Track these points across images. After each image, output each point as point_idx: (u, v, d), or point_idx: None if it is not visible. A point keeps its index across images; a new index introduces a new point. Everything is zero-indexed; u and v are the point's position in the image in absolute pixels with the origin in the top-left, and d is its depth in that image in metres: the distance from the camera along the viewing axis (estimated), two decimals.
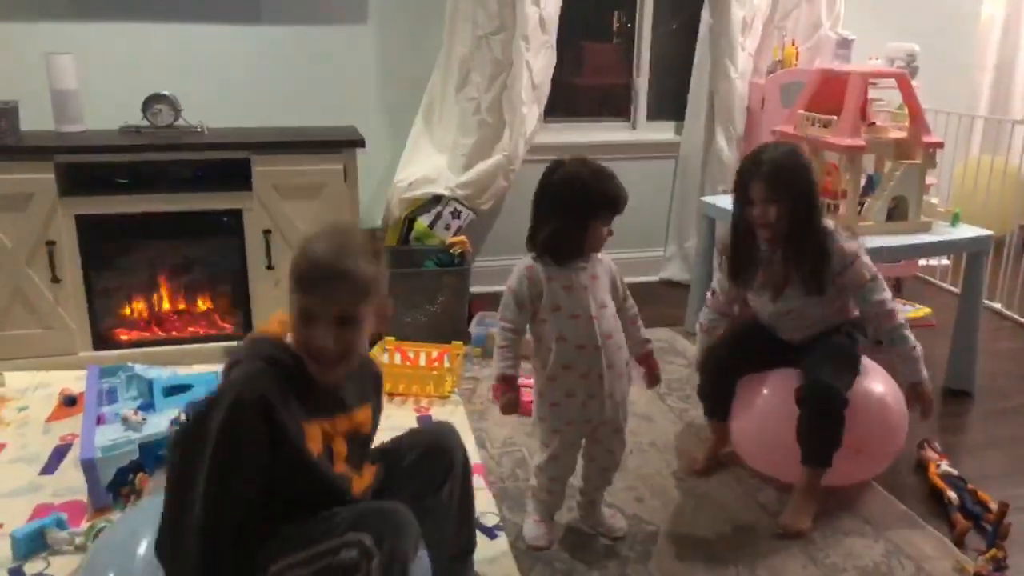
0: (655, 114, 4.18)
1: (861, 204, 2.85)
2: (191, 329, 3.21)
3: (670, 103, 4.16)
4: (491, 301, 3.40)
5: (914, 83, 3.16)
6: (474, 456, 2.44)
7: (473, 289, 3.48)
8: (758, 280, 2.31)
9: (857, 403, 2.20)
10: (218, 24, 3.37)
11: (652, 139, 4.14)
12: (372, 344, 3.05)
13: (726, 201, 3.30)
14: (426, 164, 3.61)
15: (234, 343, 1.54)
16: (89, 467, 2.13)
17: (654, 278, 4.21)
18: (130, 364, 2.66)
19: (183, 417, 2.24)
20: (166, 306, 3.22)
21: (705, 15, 3.88)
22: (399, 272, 3.18)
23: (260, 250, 3.11)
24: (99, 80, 3.21)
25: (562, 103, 4.00)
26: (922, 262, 4.21)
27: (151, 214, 3.02)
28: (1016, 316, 3.74)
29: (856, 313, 2.31)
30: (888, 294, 2.23)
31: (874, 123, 2.94)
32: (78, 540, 1.99)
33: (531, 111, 3.57)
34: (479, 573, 1.93)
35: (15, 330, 2.97)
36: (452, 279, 3.32)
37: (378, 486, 1.64)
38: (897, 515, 2.27)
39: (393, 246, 3.55)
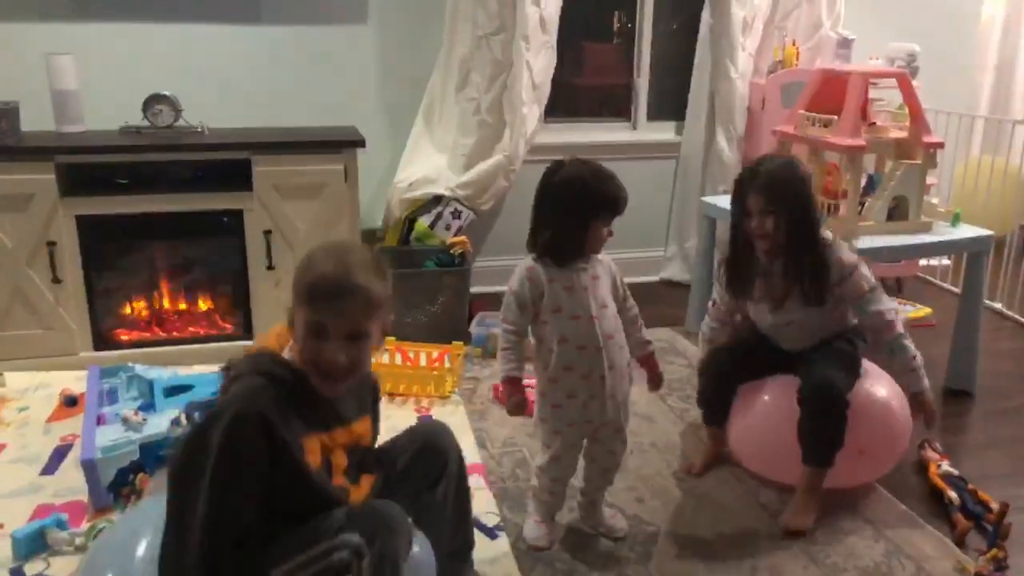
0: (655, 114, 4.18)
1: (861, 204, 2.85)
2: (192, 329, 3.21)
3: (670, 103, 4.16)
4: (491, 301, 3.41)
5: (914, 83, 3.16)
6: (474, 456, 2.46)
7: (473, 289, 3.48)
8: (757, 291, 2.32)
9: (860, 404, 2.20)
10: (218, 24, 3.37)
11: (652, 139, 4.14)
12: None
13: (726, 201, 3.29)
14: (426, 164, 3.61)
15: (233, 356, 1.52)
16: (89, 467, 2.13)
17: (654, 278, 4.21)
18: (131, 364, 2.66)
19: (184, 419, 2.24)
20: (167, 306, 3.22)
21: (705, 15, 3.88)
22: (399, 272, 3.18)
23: (260, 250, 3.11)
24: (99, 80, 3.21)
25: (562, 103, 4.00)
26: (923, 262, 4.21)
27: (152, 214, 3.02)
28: (1017, 316, 3.74)
29: (855, 321, 2.31)
30: (887, 304, 2.24)
31: (874, 123, 2.94)
32: (78, 540, 1.99)
33: (531, 111, 3.57)
34: (479, 572, 1.93)
35: (16, 330, 2.97)
36: (452, 279, 3.32)
37: (379, 493, 1.64)
38: (898, 515, 2.27)
39: (393, 246, 3.55)
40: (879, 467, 2.34)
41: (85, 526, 2.05)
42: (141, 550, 1.54)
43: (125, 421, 2.29)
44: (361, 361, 1.48)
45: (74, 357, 3.02)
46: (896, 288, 4.11)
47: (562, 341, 1.94)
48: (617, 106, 4.21)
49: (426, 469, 1.72)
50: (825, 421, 2.15)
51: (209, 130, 3.17)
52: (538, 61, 3.52)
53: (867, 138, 2.77)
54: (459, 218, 3.55)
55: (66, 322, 3.01)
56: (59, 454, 2.45)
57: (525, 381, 1.98)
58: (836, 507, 2.26)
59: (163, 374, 2.60)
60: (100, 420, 2.34)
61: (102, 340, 3.09)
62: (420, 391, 2.90)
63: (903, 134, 2.86)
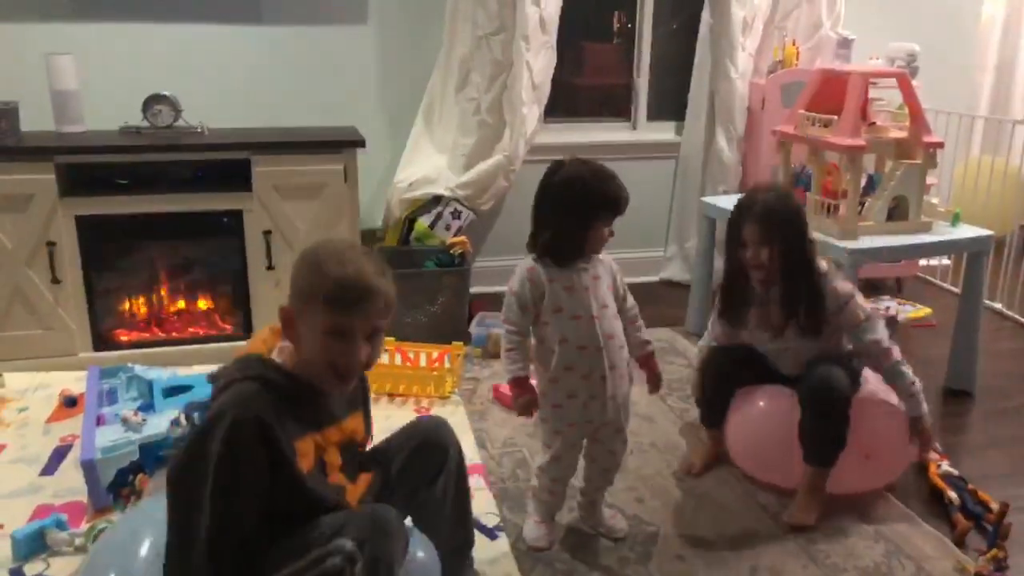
0: (655, 114, 4.18)
1: (861, 204, 2.85)
2: (191, 330, 3.21)
3: (670, 103, 4.16)
4: (491, 301, 3.41)
5: (914, 83, 3.16)
6: (474, 456, 2.46)
7: (473, 289, 3.48)
8: (753, 320, 2.34)
9: (865, 409, 2.21)
10: (218, 24, 3.37)
11: (652, 139, 4.14)
12: None
13: (726, 201, 3.31)
14: (426, 164, 3.61)
15: (220, 366, 1.52)
16: (89, 468, 2.13)
17: (654, 278, 4.21)
18: (130, 365, 2.66)
19: (183, 420, 2.24)
20: (166, 307, 3.22)
21: (705, 15, 3.88)
22: (399, 272, 3.17)
23: (260, 251, 3.11)
24: (99, 80, 3.21)
25: (562, 103, 4.00)
26: (923, 262, 4.21)
27: (151, 215, 3.02)
28: (1016, 316, 3.74)
29: (850, 347, 2.31)
30: (883, 332, 2.25)
31: (874, 123, 2.94)
32: (78, 541, 1.99)
33: (531, 111, 3.57)
34: (479, 572, 1.93)
35: (15, 331, 2.97)
36: (452, 279, 3.32)
37: (377, 490, 1.65)
38: (897, 515, 2.27)
39: (393, 246, 3.55)
40: (887, 473, 2.34)
41: (85, 527, 2.05)
42: (143, 550, 1.54)
43: (125, 422, 2.29)
44: (376, 357, 1.51)
45: (74, 358, 3.02)
46: (896, 288, 4.12)
47: (563, 341, 1.94)
48: (617, 106, 4.21)
49: (425, 465, 1.72)
50: (826, 420, 2.16)
51: (209, 130, 3.17)
52: (538, 61, 3.52)
53: (867, 138, 2.76)
54: (459, 218, 3.55)
55: (66, 322, 3.01)
56: (59, 455, 2.45)
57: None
58: (836, 507, 2.26)
59: (163, 375, 2.60)
60: (100, 421, 2.33)
61: (102, 340, 3.09)
62: (420, 391, 2.90)
63: (903, 134, 2.86)
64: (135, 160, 3.05)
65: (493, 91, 3.54)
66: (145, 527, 1.57)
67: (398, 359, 3.01)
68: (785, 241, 2.18)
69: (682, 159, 4.11)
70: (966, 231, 2.93)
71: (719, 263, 2.47)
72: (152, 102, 3.11)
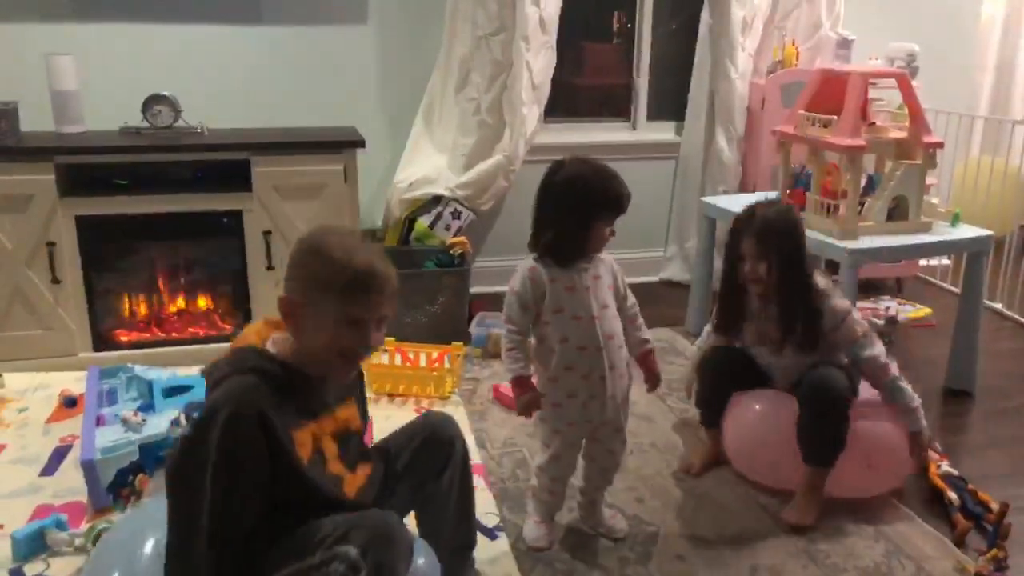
0: (655, 114, 4.18)
1: (861, 204, 2.85)
2: (191, 330, 3.21)
3: (670, 103, 4.16)
4: (491, 302, 3.41)
5: (914, 83, 3.16)
6: (474, 456, 2.44)
7: (473, 290, 3.48)
8: (749, 335, 2.35)
9: (867, 415, 2.22)
10: (218, 25, 3.37)
11: (652, 139, 4.14)
12: None
13: (726, 201, 3.32)
14: (426, 164, 3.61)
15: (211, 360, 1.52)
16: (89, 468, 2.13)
17: (654, 278, 4.21)
18: (130, 365, 2.66)
19: (183, 420, 2.24)
20: (166, 307, 3.22)
21: (705, 15, 3.88)
22: (399, 273, 3.18)
23: (260, 251, 3.11)
24: (99, 81, 3.21)
25: (562, 103, 4.00)
26: (922, 262, 4.21)
27: (151, 215, 3.02)
28: (1016, 316, 3.74)
29: (846, 361, 2.31)
30: (880, 348, 2.26)
31: (874, 123, 2.93)
32: (78, 541, 1.99)
33: (531, 111, 3.57)
34: (480, 572, 1.93)
35: (15, 331, 2.97)
36: (452, 280, 3.32)
37: (379, 482, 1.64)
38: (897, 515, 2.27)
39: (393, 246, 3.55)
40: (889, 479, 2.33)
41: (84, 527, 2.05)
42: (146, 549, 1.53)
43: (124, 422, 2.29)
44: (381, 342, 1.54)
45: (73, 358, 3.02)
46: (896, 288, 4.12)
47: (563, 341, 1.94)
48: (617, 106, 4.21)
49: (432, 458, 1.73)
50: (825, 420, 2.16)
51: (209, 130, 3.17)
52: (538, 61, 3.52)
53: (867, 138, 2.76)
54: (459, 218, 3.55)
55: (65, 323, 3.01)
56: (59, 455, 2.45)
57: None
58: (836, 507, 2.26)
59: (162, 375, 2.60)
60: (99, 421, 2.33)
61: (101, 341, 3.09)
62: (420, 392, 2.90)
63: (903, 134, 2.86)
64: (135, 160, 3.05)
65: (493, 91, 3.54)
66: (148, 527, 1.56)
67: (398, 359, 3.01)
68: (782, 256, 2.19)
69: (682, 159, 4.11)
70: (966, 231, 2.93)
71: (719, 263, 2.47)
72: (152, 102, 3.11)
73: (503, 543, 2.10)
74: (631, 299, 2.08)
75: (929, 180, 3.10)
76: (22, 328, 2.97)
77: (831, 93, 2.87)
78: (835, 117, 2.79)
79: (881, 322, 3.51)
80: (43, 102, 3.04)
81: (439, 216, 3.54)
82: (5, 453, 2.47)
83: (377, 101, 3.66)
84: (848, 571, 2.04)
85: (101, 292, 3.07)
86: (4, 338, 2.96)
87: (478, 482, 2.29)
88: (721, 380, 2.41)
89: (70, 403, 2.73)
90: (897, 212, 2.85)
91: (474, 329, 3.29)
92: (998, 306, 3.80)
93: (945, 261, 4.19)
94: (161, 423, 2.27)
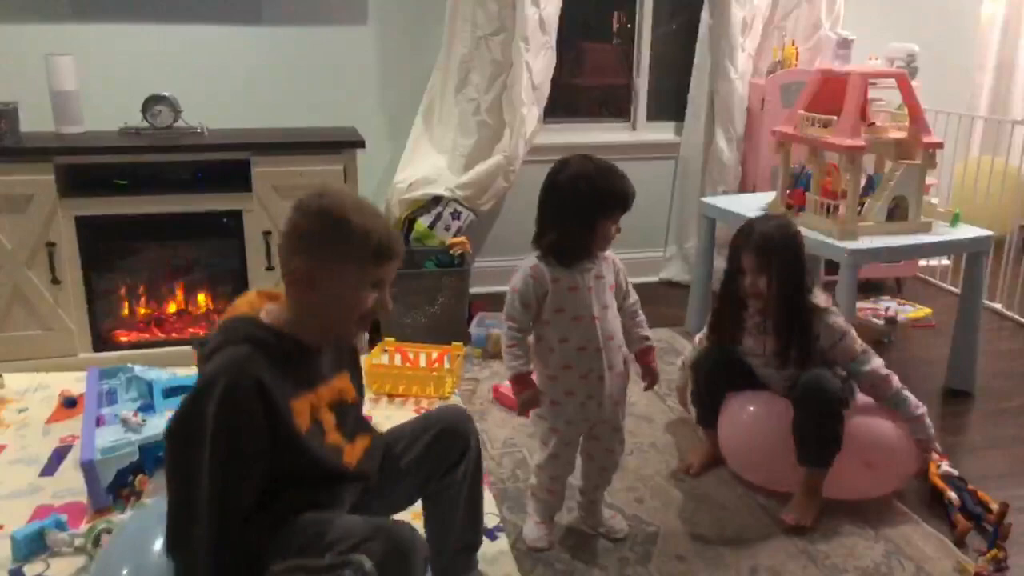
0: (655, 115, 4.18)
1: (861, 204, 2.85)
2: (191, 330, 3.21)
3: (670, 104, 4.16)
4: (491, 302, 3.41)
5: (914, 83, 3.16)
6: None
7: (473, 290, 3.48)
8: (746, 347, 2.35)
9: (867, 416, 2.22)
10: (218, 25, 3.37)
11: (652, 140, 4.14)
12: (372, 345, 3.07)
13: (726, 202, 3.32)
14: (426, 165, 3.61)
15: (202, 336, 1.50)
16: (89, 469, 2.13)
17: (654, 278, 4.21)
18: (130, 366, 2.65)
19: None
20: (166, 307, 3.22)
21: (705, 16, 3.88)
22: (399, 273, 3.18)
23: (260, 251, 3.11)
24: (99, 81, 3.21)
25: (562, 104, 4.00)
26: (922, 262, 4.21)
27: (151, 215, 3.02)
28: (1016, 316, 3.74)
29: (843, 373, 2.32)
30: (879, 362, 2.26)
31: (874, 123, 2.93)
32: (78, 542, 1.99)
33: (531, 112, 3.57)
34: (482, 572, 1.93)
35: (15, 331, 2.97)
36: (452, 280, 3.32)
37: (380, 455, 1.64)
38: (897, 515, 2.27)
39: None
40: (890, 480, 2.33)
41: (84, 527, 2.05)
42: (156, 546, 1.51)
43: (124, 422, 2.29)
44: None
45: (73, 358, 3.02)
46: (896, 288, 4.12)
47: (563, 341, 1.94)
48: (616, 106, 4.21)
49: (447, 451, 1.72)
50: (819, 421, 2.16)
51: (209, 131, 3.17)
52: (537, 62, 3.52)
53: (867, 138, 2.76)
54: (459, 219, 3.55)
55: (65, 323, 3.01)
56: (58, 455, 2.45)
57: None
58: (836, 508, 2.26)
59: (162, 375, 2.60)
60: (99, 421, 2.34)
61: (101, 341, 3.09)
62: (420, 392, 2.89)
63: (903, 134, 2.86)
64: (135, 161, 3.05)
65: (493, 92, 3.54)
66: (158, 523, 1.55)
67: (398, 359, 3.01)
68: (781, 271, 2.20)
69: (682, 159, 4.11)
70: (966, 231, 2.92)
71: (719, 263, 2.48)
72: (152, 103, 3.11)
73: (503, 543, 2.10)
74: (633, 296, 2.08)
75: (929, 180, 3.10)
76: (22, 328, 2.97)
77: (831, 93, 2.87)
78: (835, 117, 2.79)
79: (881, 322, 3.51)
80: (43, 102, 3.04)
81: (439, 216, 3.53)
82: (5, 453, 2.47)
83: (377, 101, 3.66)
84: (848, 572, 2.04)
85: (101, 292, 3.08)
86: (4, 338, 2.96)
87: None
88: (716, 379, 2.41)
89: (70, 403, 2.73)
90: (897, 212, 2.85)
91: (474, 329, 3.29)
92: (998, 306, 3.80)
93: (945, 261, 4.19)
94: (161, 424, 2.27)
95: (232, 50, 3.41)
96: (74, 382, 2.83)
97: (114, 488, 2.16)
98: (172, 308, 3.24)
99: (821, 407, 2.15)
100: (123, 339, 3.14)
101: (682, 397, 2.64)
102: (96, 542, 1.95)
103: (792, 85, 3.59)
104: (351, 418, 1.61)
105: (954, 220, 2.96)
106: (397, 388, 2.90)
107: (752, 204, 3.15)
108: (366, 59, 3.60)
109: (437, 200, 3.55)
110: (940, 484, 2.34)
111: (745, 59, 3.82)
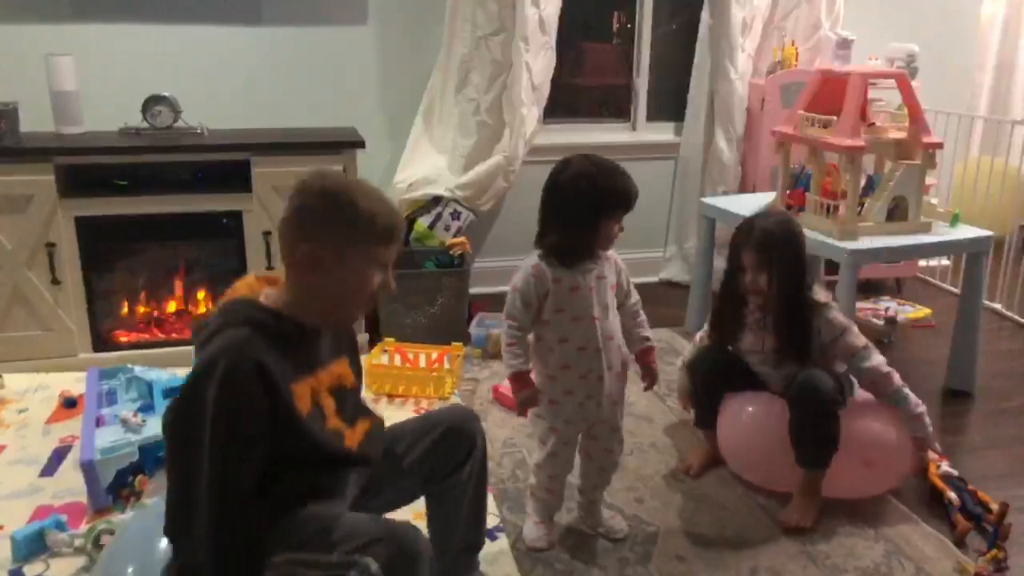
0: (655, 115, 4.18)
1: (861, 204, 2.85)
2: (191, 331, 3.21)
3: (670, 104, 4.16)
4: (491, 302, 3.41)
5: (914, 83, 3.16)
6: None
7: (473, 290, 3.48)
8: (745, 343, 2.35)
9: (864, 415, 2.22)
10: (218, 25, 3.37)
11: (652, 140, 4.14)
12: (372, 345, 3.07)
13: (726, 202, 3.32)
14: (426, 165, 3.61)
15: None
16: (89, 469, 2.13)
17: (654, 279, 4.21)
18: (130, 366, 2.66)
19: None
20: (166, 308, 3.22)
21: (705, 16, 3.88)
22: (399, 273, 3.18)
23: (260, 252, 3.11)
24: (99, 82, 3.21)
25: (562, 104, 4.00)
26: (922, 263, 4.21)
27: (151, 216, 3.02)
28: (1016, 316, 3.74)
29: (843, 369, 2.32)
30: (881, 359, 2.26)
31: (874, 123, 2.93)
32: (78, 542, 1.99)
33: (531, 112, 3.57)
34: (483, 573, 1.93)
35: (15, 332, 2.97)
36: (452, 280, 3.32)
37: (381, 439, 1.64)
38: (897, 516, 2.27)
39: None
40: (888, 479, 2.33)
41: (84, 528, 2.05)
42: (161, 544, 1.51)
43: (124, 423, 2.29)
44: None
45: (73, 359, 3.02)
46: (896, 288, 4.12)
47: (563, 341, 1.94)
48: (616, 107, 4.21)
49: (454, 449, 1.71)
50: (815, 421, 2.16)
51: (208, 131, 3.17)
52: (537, 62, 3.52)
53: (866, 138, 2.76)
54: (458, 219, 3.55)
55: (65, 323, 3.01)
56: (58, 456, 2.45)
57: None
58: (836, 508, 2.26)
59: (162, 376, 2.60)
60: (99, 422, 2.34)
61: (101, 341, 3.09)
62: (419, 392, 2.89)
63: (902, 134, 2.86)
64: (135, 161, 3.05)
65: (493, 92, 3.54)
66: (160, 523, 1.54)
67: (398, 360, 3.01)
68: (781, 267, 2.19)
69: (682, 160, 4.11)
70: (965, 231, 2.93)
71: (719, 263, 2.48)
72: (152, 103, 3.11)
73: (503, 543, 2.10)
74: (634, 296, 2.08)
75: (929, 180, 3.10)
76: (22, 329, 2.97)
77: (831, 93, 2.87)
78: (835, 117, 2.79)
79: (881, 322, 3.51)
80: (43, 103, 3.04)
81: (439, 217, 3.54)
82: (5, 454, 2.47)
83: (377, 101, 3.66)
84: (848, 572, 2.04)
85: (101, 293, 3.07)
86: (4, 339, 2.96)
87: None
88: (713, 380, 2.41)
89: (70, 404, 2.73)
90: (897, 212, 2.85)
91: (474, 330, 3.29)
92: (998, 306, 3.80)
93: (945, 261, 4.19)
94: (161, 424, 2.27)
95: (232, 50, 3.41)
96: (74, 382, 2.83)
97: (114, 488, 2.16)
98: (172, 308, 3.24)
99: (816, 407, 2.15)
100: (123, 339, 3.14)
101: (684, 401, 2.63)
102: (96, 542, 1.95)
103: (792, 85, 3.59)
104: (350, 403, 1.60)
105: (954, 220, 2.96)
106: (397, 388, 2.90)
107: (752, 204, 3.15)
108: (366, 59, 3.60)
109: (437, 200, 3.55)
110: (940, 484, 2.34)
111: (745, 59, 3.82)
